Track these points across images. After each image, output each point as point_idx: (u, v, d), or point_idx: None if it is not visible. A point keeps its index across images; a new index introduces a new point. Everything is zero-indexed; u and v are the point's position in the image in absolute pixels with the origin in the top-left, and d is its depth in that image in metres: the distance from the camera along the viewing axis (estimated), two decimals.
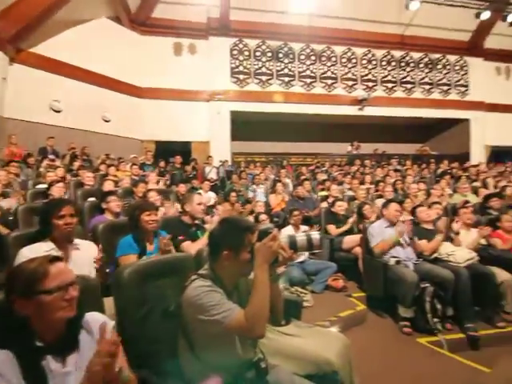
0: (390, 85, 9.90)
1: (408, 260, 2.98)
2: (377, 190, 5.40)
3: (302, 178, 6.36)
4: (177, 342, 1.29)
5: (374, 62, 9.86)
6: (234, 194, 4.86)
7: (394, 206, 3.09)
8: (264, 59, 9.40)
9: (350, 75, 9.71)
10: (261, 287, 1.11)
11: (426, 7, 8.30)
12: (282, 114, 9.49)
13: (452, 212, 3.70)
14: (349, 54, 9.73)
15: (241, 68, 9.30)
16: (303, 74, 9.51)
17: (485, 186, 6.07)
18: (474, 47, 10.31)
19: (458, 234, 3.22)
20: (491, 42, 10.45)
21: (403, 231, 3.01)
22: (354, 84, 9.71)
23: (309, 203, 4.83)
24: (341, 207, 4.00)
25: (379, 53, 9.91)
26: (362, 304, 3.17)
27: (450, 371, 2.28)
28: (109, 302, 1.39)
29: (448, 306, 2.80)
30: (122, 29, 8.50)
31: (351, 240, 3.65)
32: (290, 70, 9.45)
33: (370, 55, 9.84)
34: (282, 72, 9.43)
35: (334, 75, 9.66)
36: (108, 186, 3.77)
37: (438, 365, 2.39)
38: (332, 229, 3.87)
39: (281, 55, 9.46)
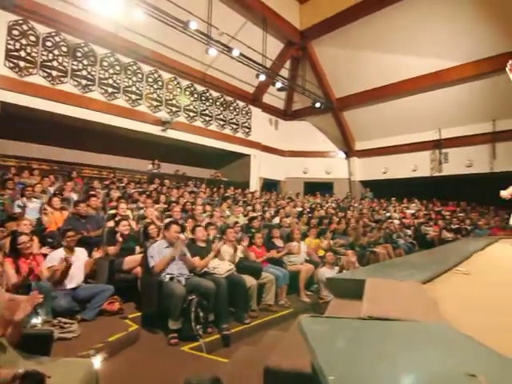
0: (191, 114, 10.86)
1: (181, 276, 3.30)
2: (168, 210, 5.68)
3: (91, 193, 5.80)
4: None
5: (178, 90, 10.57)
6: None
7: (174, 228, 3.37)
8: (57, 52, 8.12)
9: (155, 95, 9.94)
10: None
11: (224, 56, 9.83)
12: (75, 119, 8.40)
13: (223, 231, 4.42)
14: (155, 75, 9.99)
15: (22, 53, 7.61)
16: (104, 81, 8.89)
17: (254, 209, 7.64)
18: (255, 99, 13.07)
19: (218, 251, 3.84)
20: (267, 99, 13.61)
21: (181, 247, 3.34)
22: (159, 105, 10.00)
23: (92, 222, 4.43)
24: (125, 227, 3.95)
25: (184, 82, 10.74)
26: (135, 324, 3.20)
27: (202, 369, 2.65)
28: None
29: (210, 313, 3.29)
30: None
31: (132, 260, 3.65)
32: (88, 73, 8.60)
33: (175, 82, 10.48)
34: (78, 73, 8.43)
35: (139, 91, 9.59)
36: None
37: (194, 367, 2.73)
38: (111, 250, 3.73)
39: (79, 54, 8.48)
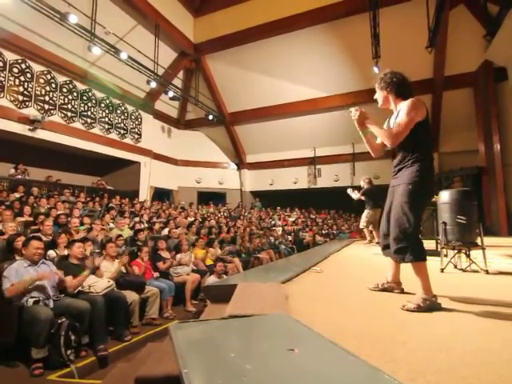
0: (69, 114, 9.67)
1: (49, 298, 2.98)
2: (35, 224, 4.96)
3: None
4: None
5: (53, 85, 9.29)
6: None
7: (34, 244, 3.00)
8: None
9: (21, 89, 8.49)
10: None
11: (111, 56, 9.13)
12: None
13: (103, 246, 4.15)
14: (23, 65, 8.56)
15: None
16: None
17: (141, 221, 7.33)
18: (146, 105, 12.55)
19: (97, 268, 3.61)
20: (160, 106, 13.24)
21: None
22: (27, 101, 8.58)
23: None
24: None
25: (61, 78, 9.52)
26: None
27: None
28: None
29: (84, 335, 3.06)
30: None
31: None
32: None
33: (49, 76, 9.20)
34: None
35: None
36: None
37: None
38: None
39: None
